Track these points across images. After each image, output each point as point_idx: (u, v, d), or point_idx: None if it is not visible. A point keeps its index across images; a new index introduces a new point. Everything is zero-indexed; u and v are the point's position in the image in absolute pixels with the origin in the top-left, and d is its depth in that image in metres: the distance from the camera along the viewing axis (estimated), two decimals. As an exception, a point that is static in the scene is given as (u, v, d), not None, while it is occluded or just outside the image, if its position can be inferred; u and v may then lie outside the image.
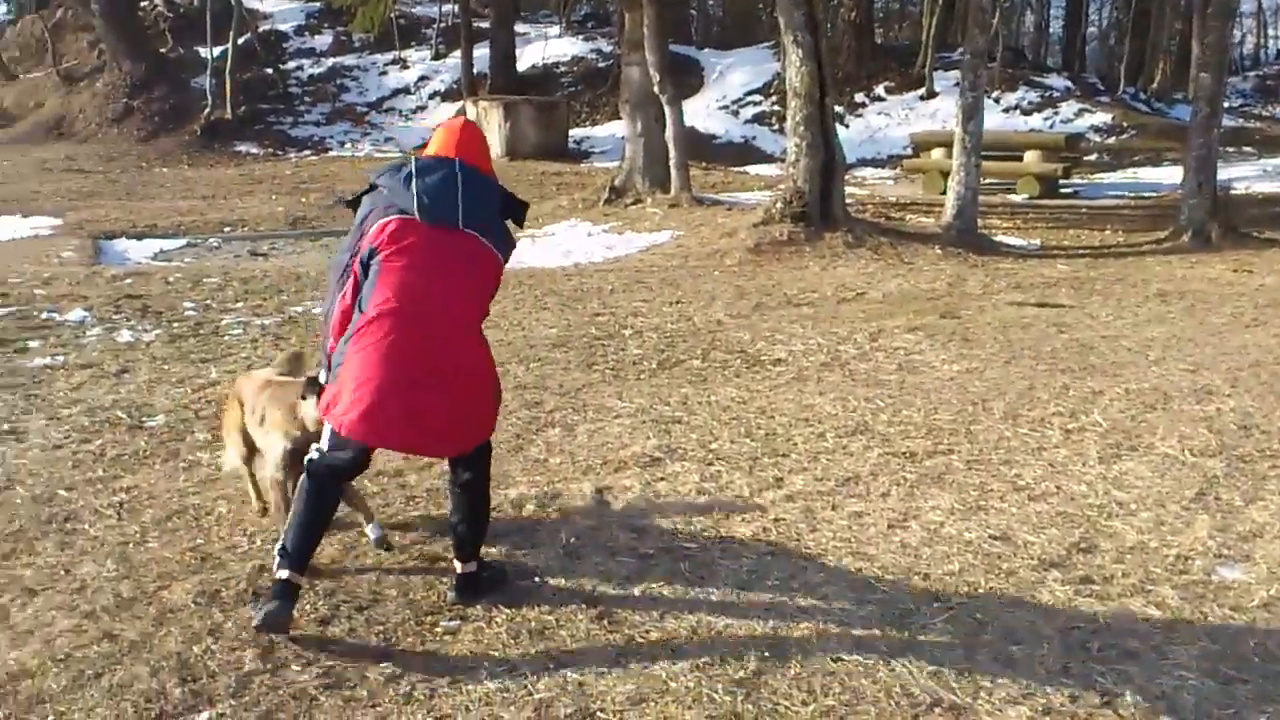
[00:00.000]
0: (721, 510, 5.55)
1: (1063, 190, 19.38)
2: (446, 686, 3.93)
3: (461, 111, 28.56)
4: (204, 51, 32.10)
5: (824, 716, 3.77)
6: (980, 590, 4.68)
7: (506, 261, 4.53)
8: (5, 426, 6.80)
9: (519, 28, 34.70)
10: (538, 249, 15.67)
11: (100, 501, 5.64)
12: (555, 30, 36.53)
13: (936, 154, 19.46)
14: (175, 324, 9.67)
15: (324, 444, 4.40)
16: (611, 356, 8.72)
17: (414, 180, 4.31)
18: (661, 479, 5.98)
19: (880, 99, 29.06)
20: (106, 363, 8.34)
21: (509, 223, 4.58)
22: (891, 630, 4.33)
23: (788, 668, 4.04)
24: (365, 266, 4.32)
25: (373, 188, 4.45)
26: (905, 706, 3.81)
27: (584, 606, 4.52)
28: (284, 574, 4.28)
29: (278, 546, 4.34)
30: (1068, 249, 15.10)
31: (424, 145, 4.76)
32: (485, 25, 33.19)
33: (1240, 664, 4.12)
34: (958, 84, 17.17)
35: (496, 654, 4.16)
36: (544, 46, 34.39)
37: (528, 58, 33.68)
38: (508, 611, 4.47)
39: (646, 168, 18.22)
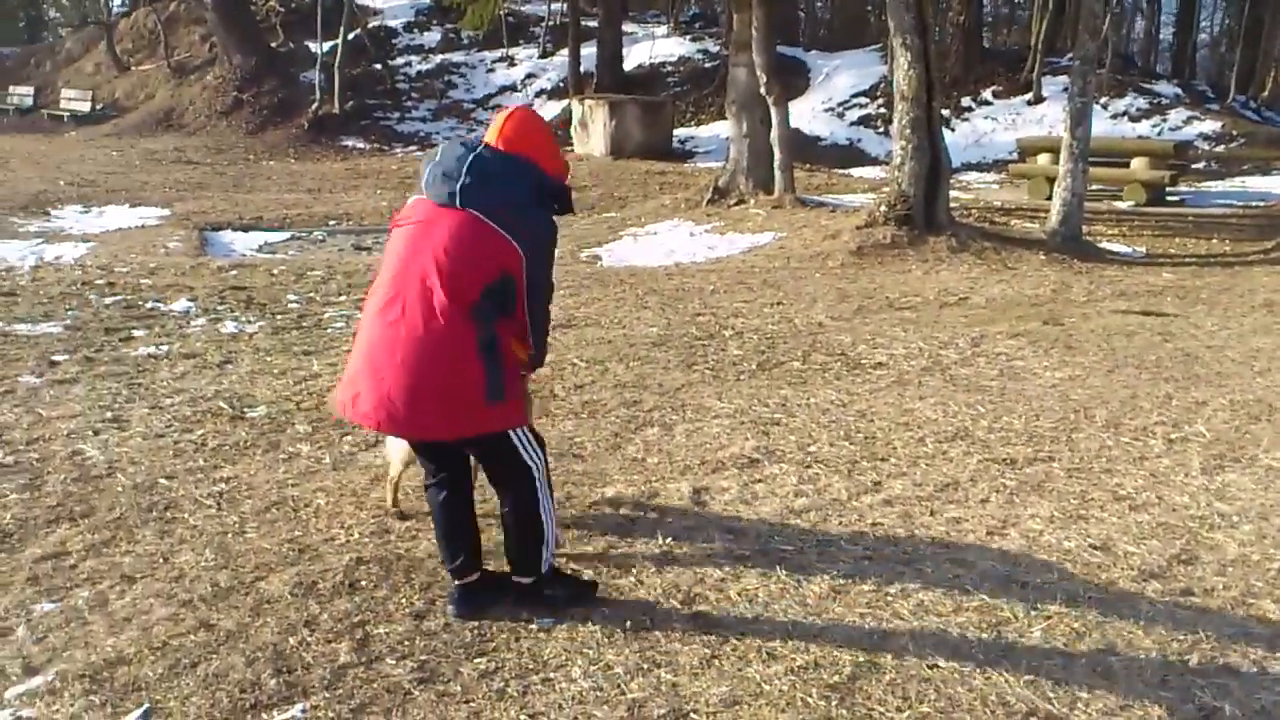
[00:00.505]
0: (819, 513, 5.55)
1: (1170, 198, 18.98)
2: (540, 684, 3.96)
3: (567, 110, 28.82)
4: (314, 46, 32.80)
5: (917, 722, 3.77)
6: (1079, 600, 4.63)
7: (531, 251, 4.17)
8: (109, 414, 6.95)
9: (626, 27, 34.90)
10: (640, 248, 15.76)
11: (200, 491, 5.74)
12: (663, 30, 36.67)
13: (1043, 159, 19.19)
14: (278, 316, 9.88)
15: None
16: (711, 357, 8.74)
17: (430, 162, 4.26)
18: (759, 480, 5.99)
19: (987, 103, 28.74)
20: (210, 353, 8.51)
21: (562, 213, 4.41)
22: (988, 638, 4.30)
23: (883, 673, 4.04)
24: None
25: None
26: (1001, 715, 3.79)
27: (679, 607, 4.55)
28: (454, 581, 4.55)
29: None
30: (1174, 257, 14.80)
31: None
32: (593, 24, 33.43)
33: (1347, 685, 4.03)
34: (1066, 89, 16.92)
35: (590, 653, 4.18)
36: (651, 46, 34.52)
37: (634, 57, 33.85)
38: (603, 610, 4.51)
39: (750, 168, 18.20)
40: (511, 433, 4.34)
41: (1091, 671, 4.06)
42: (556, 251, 4.39)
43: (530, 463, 4.40)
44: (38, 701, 3.80)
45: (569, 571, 4.78)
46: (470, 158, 4.15)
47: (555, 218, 4.34)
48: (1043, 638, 4.31)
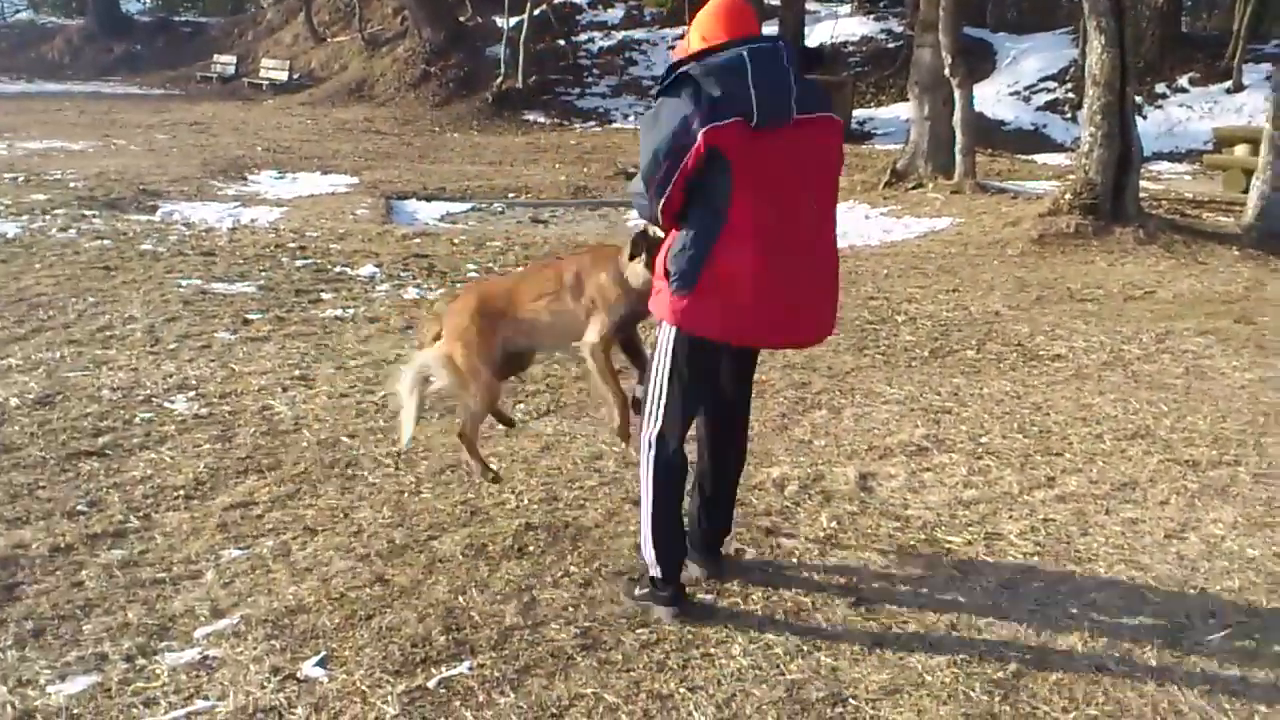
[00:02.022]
0: (988, 505, 5.46)
1: (1381, 194, 18.00)
2: (700, 659, 4.00)
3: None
4: (500, 21, 33.27)
5: (1084, 724, 3.69)
6: (1261, 611, 4.47)
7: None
8: (297, 372, 7.25)
9: (809, 6, 34.53)
10: (814, 229, 15.59)
11: (380, 451, 5.95)
12: (845, 9, 36.24)
13: (1241, 150, 18.40)
14: (458, 284, 10.05)
15: None
16: (883, 341, 8.65)
17: (736, 80, 3.93)
18: (927, 469, 5.92)
19: (1183, 90, 27.64)
20: (393, 318, 8.77)
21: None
22: (1162, 644, 4.18)
23: (1049, 672, 3.97)
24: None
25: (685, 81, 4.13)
26: (1172, 723, 3.70)
27: (841, 592, 4.53)
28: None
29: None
30: (1382, 258, 14.02)
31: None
32: (775, 2, 33.19)
33: None
34: (1269, 78, 16.15)
35: (752, 631, 4.20)
36: (833, 25, 34.14)
37: (816, 36, 33.49)
38: (763, 590, 4.53)
39: (930, 152, 17.89)
40: None
41: (1273, 687, 3.92)
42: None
43: None
44: (223, 642, 3.99)
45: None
46: (788, 68, 3.94)
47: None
48: (1220, 647, 4.17)
